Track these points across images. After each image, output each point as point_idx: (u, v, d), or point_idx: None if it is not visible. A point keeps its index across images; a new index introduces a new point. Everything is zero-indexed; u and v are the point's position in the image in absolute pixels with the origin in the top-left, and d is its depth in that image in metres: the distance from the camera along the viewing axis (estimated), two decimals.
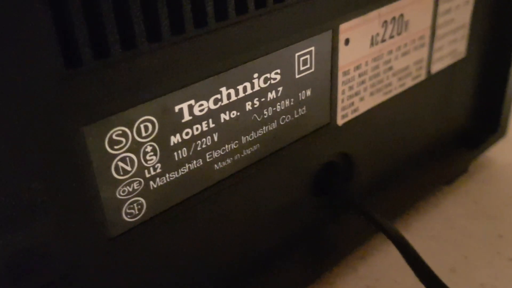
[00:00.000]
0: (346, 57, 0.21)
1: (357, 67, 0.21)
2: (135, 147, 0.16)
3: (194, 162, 0.17)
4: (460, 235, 0.28)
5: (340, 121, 0.22)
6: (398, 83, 0.24)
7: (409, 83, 0.24)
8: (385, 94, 0.23)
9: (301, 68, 0.19)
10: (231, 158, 0.18)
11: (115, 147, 0.15)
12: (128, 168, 0.16)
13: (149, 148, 0.16)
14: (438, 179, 0.30)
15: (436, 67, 0.26)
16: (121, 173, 0.15)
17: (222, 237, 0.20)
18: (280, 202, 0.21)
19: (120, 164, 0.15)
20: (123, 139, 0.15)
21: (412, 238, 0.27)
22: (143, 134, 0.16)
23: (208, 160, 0.18)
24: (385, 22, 0.21)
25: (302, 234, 0.23)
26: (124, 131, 0.15)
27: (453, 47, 0.26)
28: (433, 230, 0.28)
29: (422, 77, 0.25)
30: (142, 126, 0.15)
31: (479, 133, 0.31)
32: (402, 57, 0.23)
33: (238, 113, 0.18)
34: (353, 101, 0.22)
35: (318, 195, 0.23)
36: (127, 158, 0.15)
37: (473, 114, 0.31)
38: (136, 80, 0.15)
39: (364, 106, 0.23)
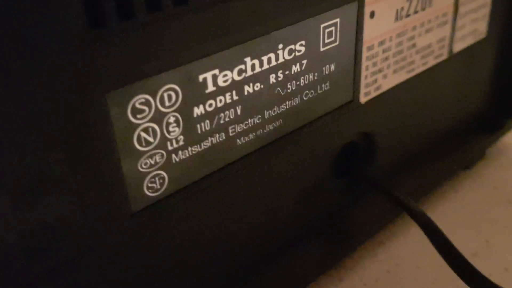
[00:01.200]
0: (371, 31, 0.20)
1: (381, 43, 0.21)
2: (158, 117, 0.15)
3: (217, 135, 0.17)
4: (481, 220, 0.27)
5: (363, 99, 0.21)
6: (421, 61, 0.23)
7: (432, 61, 0.24)
8: (408, 72, 0.23)
9: (326, 41, 0.18)
10: (254, 134, 0.18)
11: (138, 116, 0.14)
12: (151, 139, 0.15)
13: (172, 119, 0.15)
14: (457, 163, 0.29)
15: (458, 46, 0.25)
16: (144, 144, 0.15)
17: (242, 216, 0.19)
18: (301, 183, 0.21)
19: (143, 134, 0.15)
20: (146, 108, 0.14)
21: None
22: (167, 103, 0.15)
23: (231, 134, 0.17)
24: None
25: (322, 218, 0.22)
26: (147, 100, 0.14)
27: (474, 26, 0.25)
28: (453, 215, 0.28)
29: (444, 56, 0.24)
30: (165, 95, 0.15)
31: (497, 118, 0.31)
32: (425, 34, 0.23)
33: (262, 86, 0.17)
34: (376, 78, 0.21)
35: (339, 177, 0.22)
36: (150, 129, 0.15)
37: (492, 97, 0.30)
38: (161, 45, 0.14)
39: (387, 84, 0.22)
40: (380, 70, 0.21)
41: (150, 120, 0.15)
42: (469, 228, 0.27)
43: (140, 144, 0.15)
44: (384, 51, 0.21)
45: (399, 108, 0.24)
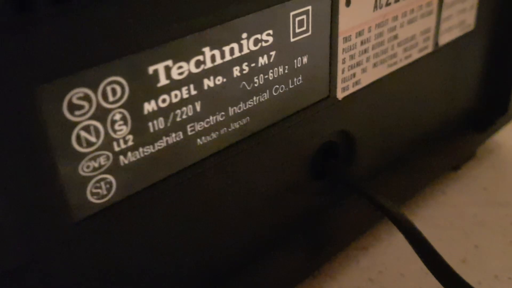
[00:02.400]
0: (347, 21, 0.18)
1: (360, 33, 0.19)
2: (101, 114, 0.13)
3: (173, 135, 0.15)
4: (470, 223, 0.26)
5: (340, 95, 0.20)
6: (404, 55, 0.22)
7: (416, 55, 0.22)
8: (389, 66, 0.21)
9: (297, 31, 0.17)
10: (217, 132, 0.16)
11: (77, 112, 0.13)
12: (93, 139, 0.13)
13: (118, 116, 0.13)
14: (445, 164, 0.27)
15: (444, 39, 0.23)
16: (84, 144, 0.13)
17: (207, 224, 0.17)
18: (274, 186, 0.19)
19: (83, 134, 0.13)
20: (86, 104, 0.13)
21: (418, 227, 0.25)
22: (111, 98, 0.13)
23: (189, 133, 0.15)
24: None
25: (299, 222, 0.21)
26: (87, 94, 0.13)
27: (461, 17, 0.24)
28: (441, 218, 0.26)
29: (429, 49, 0.23)
30: (109, 88, 0.13)
31: (487, 115, 0.29)
32: (408, 25, 0.21)
33: (225, 79, 0.15)
34: (355, 72, 0.20)
35: (316, 178, 0.21)
36: (92, 127, 0.13)
37: (481, 94, 0.29)
38: (103, 32, 0.12)
39: (366, 79, 0.20)
40: (358, 64, 0.20)
41: (92, 117, 0.13)
42: (457, 233, 0.25)
43: (80, 144, 0.13)
44: (362, 42, 0.19)
45: (381, 104, 0.22)
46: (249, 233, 0.19)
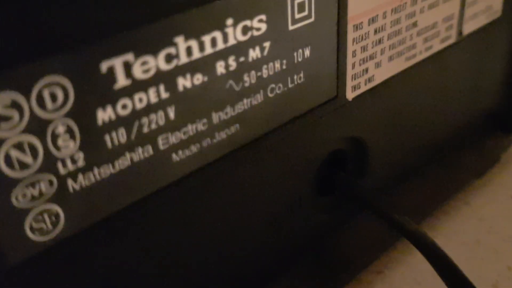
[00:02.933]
0: (358, 4, 0.15)
1: (373, 20, 0.16)
2: (38, 127, 0.10)
3: (140, 150, 0.12)
4: (500, 239, 0.22)
5: (350, 94, 0.16)
6: (424, 46, 0.18)
7: (437, 46, 0.19)
8: (407, 59, 0.18)
9: (297, 16, 0.14)
10: (198, 145, 0.13)
11: (3, 126, 0.09)
12: (28, 160, 0.10)
13: (61, 128, 0.10)
14: (468, 171, 0.24)
15: (468, 27, 0.20)
16: (17, 167, 0.10)
17: (192, 257, 0.14)
18: (273, 205, 0.16)
19: (14, 153, 0.10)
20: (15, 114, 0.10)
21: (441, 246, 0.22)
22: (49, 105, 0.10)
23: (161, 147, 0.12)
24: None
25: (305, 245, 0.18)
26: (15, 101, 0.09)
27: (488, 2, 0.20)
28: (466, 234, 0.23)
29: (453, 39, 0.20)
30: (46, 92, 0.10)
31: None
32: (429, 10, 0.18)
33: (206, 78, 0.12)
34: (368, 67, 0.16)
35: (323, 193, 0.17)
36: (25, 144, 0.10)
37: (508, 92, 0.25)
38: (33, 18, 0.09)
39: (381, 75, 0.17)
40: (372, 57, 0.16)
41: (25, 131, 0.10)
42: (486, 251, 0.22)
43: (10, 167, 0.10)
44: (376, 31, 0.16)
45: (397, 105, 0.19)
46: (245, 263, 0.16)
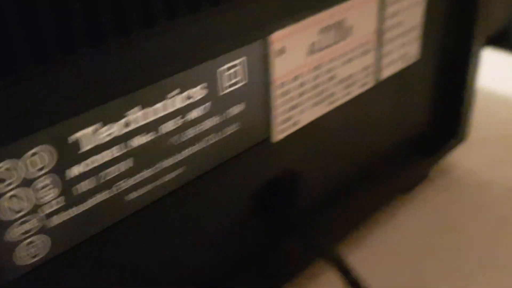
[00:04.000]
0: (281, 68, 0.19)
1: (295, 78, 0.20)
2: (27, 183, 0.14)
3: (99, 195, 0.15)
4: (418, 249, 0.26)
5: (278, 136, 0.20)
6: (344, 92, 0.22)
7: (356, 91, 0.23)
8: (329, 104, 0.22)
9: (231, 82, 0.17)
10: (149, 186, 0.17)
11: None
12: (19, 207, 0.14)
13: (44, 182, 0.14)
14: (395, 188, 0.28)
15: (386, 73, 0.24)
16: (9, 213, 0.14)
17: (147, 271, 0.18)
18: (216, 229, 0.20)
19: (7, 204, 0.13)
20: (10, 175, 0.13)
21: (367, 255, 0.26)
22: (36, 167, 0.14)
23: (117, 191, 0.16)
24: (324, 29, 0.20)
25: (244, 262, 0.21)
26: (10, 167, 0.13)
27: (404, 50, 0.25)
28: (390, 244, 0.27)
29: (371, 84, 0.24)
30: (34, 158, 0.14)
31: (438, 138, 0.30)
32: (346, 65, 0.22)
33: (156, 135, 0.16)
34: (293, 114, 0.20)
35: (260, 217, 0.21)
36: (16, 197, 0.14)
37: (431, 118, 0.29)
38: (27, 105, 0.13)
39: (305, 119, 0.21)
40: (296, 106, 0.20)
41: (17, 187, 0.14)
42: (406, 258, 0.26)
43: (4, 214, 0.13)
44: (299, 86, 0.20)
45: (324, 139, 0.23)
46: (190, 277, 0.20)
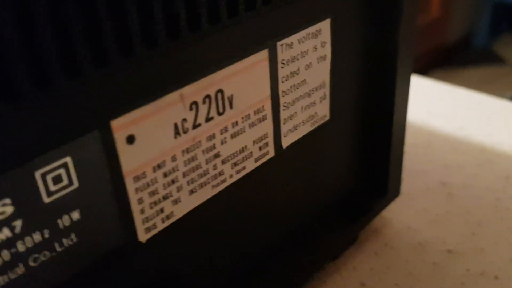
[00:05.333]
0: (134, 159, 0.15)
1: (159, 166, 0.16)
2: None
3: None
4: None
5: (144, 236, 0.16)
6: (235, 169, 0.19)
7: (252, 165, 0.19)
8: (216, 186, 0.18)
9: (53, 188, 0.14)
10: None
11: None
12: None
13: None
14: (321, 256, 0.25)
15: (289, 139, 0.21)
16: None
17: None
18: None
19: None
20: None
21: None
22: None
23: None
24: (195, 103, 0.16)
25: None
26: None
27: (311, 111, 0.21)
28: None
29: (271, 153, 0.20)
30: None
31: (366, 198, 0.27)
32: (233, 139, 0.18)
33: None
34: (163, 207, 0.17)
35: None
36: None
37: (356, 177, 0.26)
38: None
39: (182, 209, 0.17)
40: (166, 197, 0.17)
41: None
42: None
43: None
44: (166, 174, 0.16)
45: (219, 223, 0.19)
46: None
